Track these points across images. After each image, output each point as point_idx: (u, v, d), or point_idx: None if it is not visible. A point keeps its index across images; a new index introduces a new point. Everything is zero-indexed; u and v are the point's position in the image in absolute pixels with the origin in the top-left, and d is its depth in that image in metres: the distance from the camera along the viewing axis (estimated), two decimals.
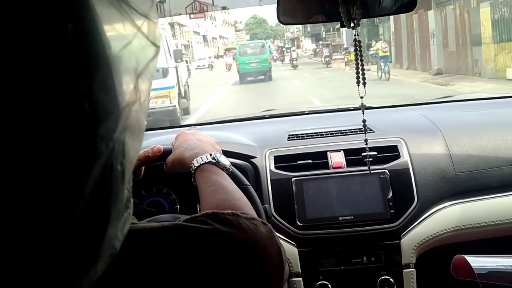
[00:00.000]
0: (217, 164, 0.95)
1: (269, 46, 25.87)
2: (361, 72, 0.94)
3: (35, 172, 0.25)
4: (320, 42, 38.75)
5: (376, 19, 20.77)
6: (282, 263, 0.57)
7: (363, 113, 1.01)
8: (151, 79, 0.35)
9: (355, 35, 0.96)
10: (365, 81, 0.95)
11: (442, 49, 16.47)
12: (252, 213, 0.79)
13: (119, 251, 0.41)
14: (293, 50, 34.17)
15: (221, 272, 0.48)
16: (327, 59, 25.68)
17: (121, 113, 0.30)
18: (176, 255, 0.47)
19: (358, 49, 0.95)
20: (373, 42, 20.30)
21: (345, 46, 27.52)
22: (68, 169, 0.27)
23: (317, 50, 37.13)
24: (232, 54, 33.71)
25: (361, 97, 0.96)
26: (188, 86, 12.40)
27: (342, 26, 0.97)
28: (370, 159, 1.25)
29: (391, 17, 15.90)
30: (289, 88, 16.66)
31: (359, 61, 0.94)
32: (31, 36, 0.25)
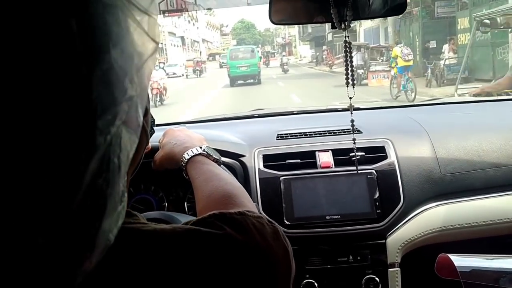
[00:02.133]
0: (208, 156, 0.95)
1: (258, 52, 26.06)
2: (350, 74, 0.96)
3: (35, 163, 0.26)
4: (324, 47, 33.01)
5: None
6: (290, 263, 0.57)
7: (351, 113, 1.03)
8: (150, 74, 0.35)
9: (345, 36, 0.97)
10: (354, 82, 0.96)
11: None
12: (246, 196, 0.78)
13: (127, 252, 0.42)
14: (283, 55, 33.92)
15: (230, 276, 0.47)
16: (361, 71, 16.11)
17: (119, 107, 0.30)
18: (187, 260, 0.46)
19: (348, 50, 0.96)
20: (431, 43, 16.10)
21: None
22: (67, 161, 0.27)
23: (324, 55, 30.37)
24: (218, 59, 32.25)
25: (350, 98, 0.97)
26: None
27: (333, 27, 0.99)
28: (357, 157, 1.27)
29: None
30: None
31: (348, 62, 0.95)
32: (35, 31, 0.26)
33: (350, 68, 0.96)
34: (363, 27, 25.10)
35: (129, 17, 0.31)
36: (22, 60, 0.25)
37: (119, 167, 0.32)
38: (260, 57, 25.46)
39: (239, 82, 21.21)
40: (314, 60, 35.26)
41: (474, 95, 5.31)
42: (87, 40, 0.28)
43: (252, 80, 21.33)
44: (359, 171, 1.40)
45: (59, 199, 0.27)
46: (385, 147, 1.48)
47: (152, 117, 0.58)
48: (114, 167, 0.31)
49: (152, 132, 0.59)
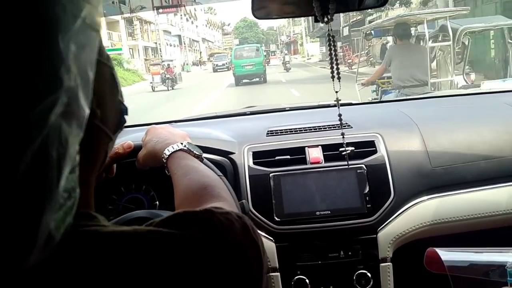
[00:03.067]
0: (189, 151, 0.94)
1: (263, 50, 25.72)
2: (335, 67, 0.95)
3: None
4: (340, 43, 28.16)
5: None
6: (261, 259, 0.55)
7: (338, 108, 1.02)
8: (93, 65, 0.34)
9: (328, 29, 0.96)
10: (339, 75, 0.96)
11: None
12: (223, 187, 0.77)
13: (82, 254, 0.40)
14: (286, 54, 33.87)
15: (194, 278, 0.46)
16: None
17: (57, 98, 0.29)
18: (146, 263, 0.44)
19: (332, 43, 0.95)
20: None
21: None
22: None
23: (341, 53, 23.92)
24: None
25: (336, 92, 0.97)
26: None
27: (316, 20, 0.98)
28: (348, 151, 1.26)
29: None
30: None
31: (333, 55, 0.94)
32: None
33: (335, 62, 0.95)
34: None
35: (69, 4, 0.30)
36: None
37: (59, 161, 0.30)
38: (265, 56, 25.15)
39: (244, 81, 21.10)
40: (327, 59, 30.72)
41: (363, 84, 6.18)
42: (23, 24, 0.27)
43: (257, 79, 21.23)
44: (349, 166, 1.39)
45: None
46: (375, 141, 1.47)
47: (123, 105, 0.56)
48: (52, 161, 0.30)
49: (124, 121, 0.57)
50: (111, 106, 0.52)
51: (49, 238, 0.31)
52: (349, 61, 22.88)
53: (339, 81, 0.98)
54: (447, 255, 0.97)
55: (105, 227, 0.45)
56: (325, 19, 0.96)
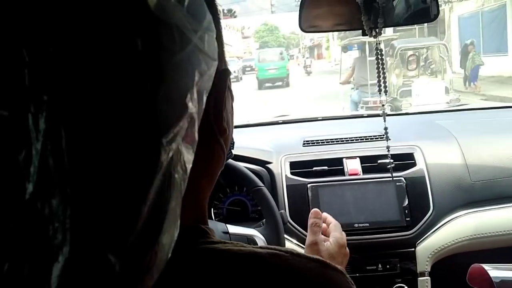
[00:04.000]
0: None
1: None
2: (382, 81, 0.95)
3: (106, 183, 0.26)
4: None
5: None
6: None
7: (384, 120, 1.02)
8: (208, 92, 0.36)
9: (377, 43, 0.97)
10: (386, 89, 0.96)
11: None
12: None
13: (209, 272, 0.41)
14: (307, 58, 33.58)
15: None
16: None
17: (181, 123, 0.31)
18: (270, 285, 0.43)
19: (380, 57, 0.96)
20: None
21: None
22: (134, 179, 0.28)
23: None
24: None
25: (383, 105, 0.97)
26: None
27: (364, 34, 0.98)
28: (392, 165, 1.26)
29: None
30: None
31: (380, 69, 0.95)
32: (102, 52, 0.26)
33: (382, 75, 0.96)
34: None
35: (187, 34, 0.32)
36: (90, 80, 0.26)
37: (180, 183, 0.32)
38: (288, 59, 24.40)
39: (267, 85, 20.59)
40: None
41: (341, 83, 8.06)
42: (151, 59, 0.29)
43: (280, 83, 20.72)
44: (388, 179, 1.39)
45: (126, 217, 0.28)
46: (414, 154, 1.46)
47: (232, 139, 0.58)
48: (175, 183, 0.31)
49: (230, 154, 0.58)
50: (231, 133, 0.53)
51: (166, 256, 0.32)
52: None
53: (386, 94, 0.98)
54: (496, 271, 0.95)
55: (221, 244, 0.45)
56: (373, 33, 0.97)
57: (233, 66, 25.36)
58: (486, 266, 0.98)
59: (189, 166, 0.34)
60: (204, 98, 0.35)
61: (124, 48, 0.27)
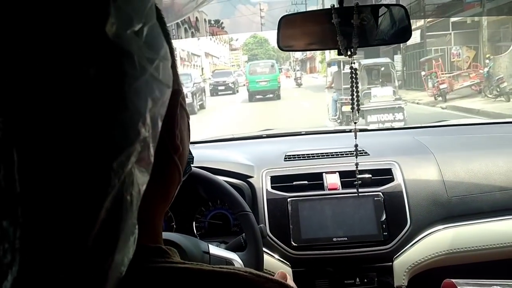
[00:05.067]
0: None
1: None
2: (356, 99, 0.98)
3: (56, 203, 0.28)
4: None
5: None
6: None
7: (355, 138, 1.05)
8: (163, 117, 0.37)
9: (351, 62, 1.00)
10: (359, 107, 0.99)
11: None
12: None
13: None
14: (297, 71, 34.24)
15: None
16: None
17: (135, 148, 0.33)
18: None
19: (354, 76, 0.99)
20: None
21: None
22: (83, 201, 0.29)
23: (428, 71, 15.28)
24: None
25: (354, 123, 0.99)
26: None
27: (339, 54, 1.01)
28: (359, 182, 1.29)
29: None
30: None
31: (354, 88, 0.97)
32: (53, 80, 0.28)
33: (355, 93, 0.98)
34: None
35: (143, 63, 0.34)
36: (42, 105, 0.28)
37: (131, 203, 0.34)
38: (280, 72, 24.35)
39: (257, 97, 20.49)
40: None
41: (326, 88, 12.22)
42: (104, 86, 0.30)
43: (271, 95, 20.60)
44: (366, 193, 1.41)
45: (76, 236, 0.29)
46: (392, 169, 1.49)
47: (190, 154, 0.59)
48: (126, 204, 0.33)
49: (189, 170, 0.60)
50: (186, 150, 0.55)
51: (118, 274, 0.34)
52: (442, 86, 13.36)
53: (358, 112, 1.01)
54: (465, 286, 0.98)
55: (180, 264, 0.46)
56: (348, 53, 1.00)
57: (229, 78, 24.95)
58: (456, 281, 1.00)
59: (143, 188, 0.35)
60: (159, 123, 0.37)
61: (76, 74, 0.29)
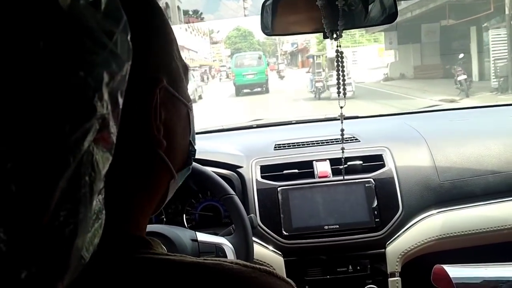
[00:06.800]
0: None
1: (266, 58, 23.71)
2: (341, 83, 0.96)
3: (5, 181, 0.26)
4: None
5: None
6: None
7: (341, 122, 1.03)
8: (123, 93, 0.35)
9: (337, 46, 0.97)
10: (345, 92, 0.97)
11: None
12: None
13: (141, 281, 0.40)
14: (280, 63, 34.67)
15: None
16: None
17: (91, 125, 0.30)
18: None
19: (340, 60, 0.96)
20: None
21: None
22: (36, 179, 0.27)
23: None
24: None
25: (341, 107, 0.97)
26: None
27: (325, 37, 0.99)
28: (345, 166, 1.28)
29: None
30: None
31: (340, 72, 0.95)
32: (4, 51, 0.26)
33: (342, 78, 0.96)
34: None
35: (100, 37, 0.32)
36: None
37: (91, 185, 0.31)
38: (268, 64, 23.60)
39: (245, 91, 19.87)
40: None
41: (306, 72, 18.43)
42: (55, 58, 0.28)
43: (259, 89, 19.99)
44: (357, 180, 1.40)
45: (29, 217, 0.27)
46: (383, 155, 1.47)
47: (193, 147, 0.57)
48: (85, 185, 0.31)
49: (190, 163, 0.58)
50: (180, 144, 0.53)
51: (80, 259, 0.32)
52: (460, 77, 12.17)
53: (345, 97, 0.98)
54: (455, 271, 0.96)
55: (161, 255, 0.44)
56: (334, 36, 0.98)
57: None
58: (446, 267, 0.99)
59: (104, 169, 0.33)
60: (120, 100, 0.35)
61: (26, 46, 0.27)
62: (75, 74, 0.29)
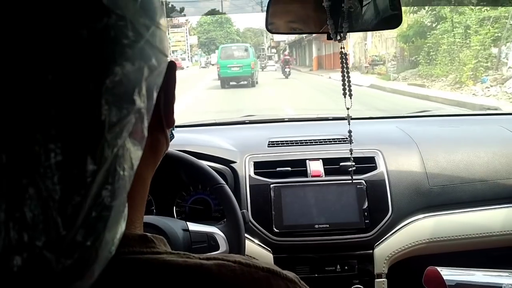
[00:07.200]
0: None
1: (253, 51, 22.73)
2: (347, 84, 0.96)
3: (44, 173, 0.26)
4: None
5: None
6: None
7: (349, 124, 1.04)
8: (158, 87, 0.35)
9: (341, 47, 0.98)
10: (351, 93, 0.97)
11: None
12: None
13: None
14: (262, 55, 33.99)
15: None
16: None
17: (127, 119, 0.30)
18: None
19: (345, 61, 0.97)
20: None
21: None
22: (75, 173, 0.27)
23: None
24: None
25: (347, 108, 0.98)
26: None
27: (329, 38, 0.99)
28: (353, 168, 1.28)
29: None
30: None
31: (345, 73, 0.96)
32: (45, 41, 0.26)
33: (347, 79, 0.97)
34: None
35: (139, 29, 0.32)
36: (33, 68, 0.26)
37: (124, 179, 0.32)
38: (256, 57, 22.77)
39: (231, 83, 19.08)
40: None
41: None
42: (97, 51, 0.28)
43: (245, 82, 19.28)
44: (349, 181, 1.41)
45: (65, 213, 0.27)
46: (375, 157, 1.49)
47: (172, 131, 0.57)
48: (119, 179, 0.31)
49: (172, 137, 0.57)
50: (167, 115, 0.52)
51: (108, 253, 0.32)
52: None
53: (351, 98, 0.99)
54: (448, 274, 0.98)
55: (165, 254, 0.43)
56: (338, 37, 0.98)
57: None
58: (440, 269, 1.01)
59: (136, 163, 0.33)
60: (155, 94, 0.35)
61: (69, 38, 0.27)
62: (118, 66, 0.29)
